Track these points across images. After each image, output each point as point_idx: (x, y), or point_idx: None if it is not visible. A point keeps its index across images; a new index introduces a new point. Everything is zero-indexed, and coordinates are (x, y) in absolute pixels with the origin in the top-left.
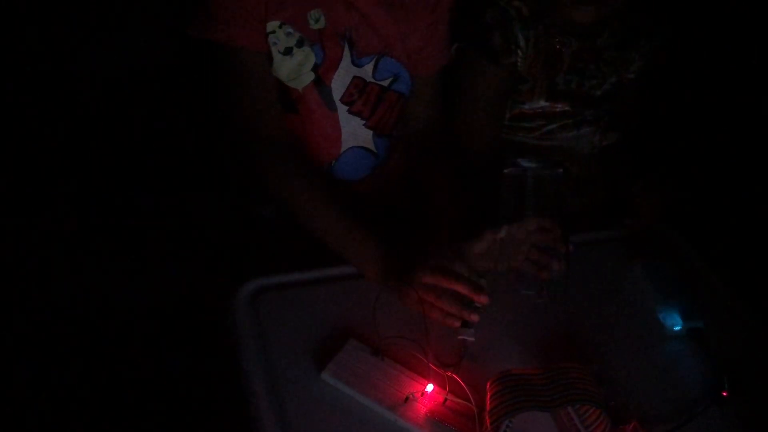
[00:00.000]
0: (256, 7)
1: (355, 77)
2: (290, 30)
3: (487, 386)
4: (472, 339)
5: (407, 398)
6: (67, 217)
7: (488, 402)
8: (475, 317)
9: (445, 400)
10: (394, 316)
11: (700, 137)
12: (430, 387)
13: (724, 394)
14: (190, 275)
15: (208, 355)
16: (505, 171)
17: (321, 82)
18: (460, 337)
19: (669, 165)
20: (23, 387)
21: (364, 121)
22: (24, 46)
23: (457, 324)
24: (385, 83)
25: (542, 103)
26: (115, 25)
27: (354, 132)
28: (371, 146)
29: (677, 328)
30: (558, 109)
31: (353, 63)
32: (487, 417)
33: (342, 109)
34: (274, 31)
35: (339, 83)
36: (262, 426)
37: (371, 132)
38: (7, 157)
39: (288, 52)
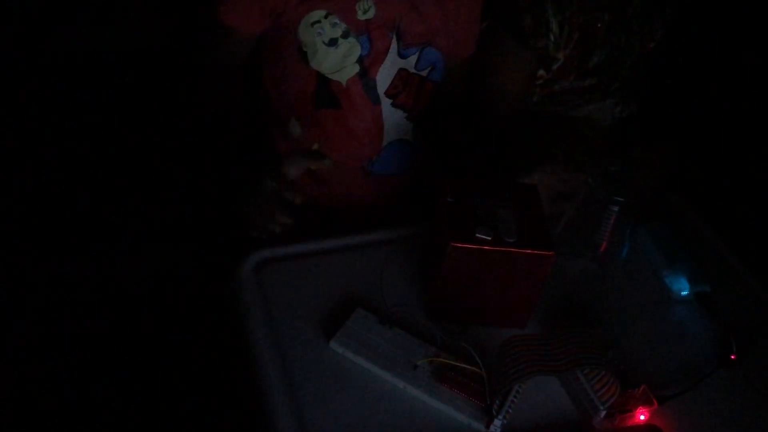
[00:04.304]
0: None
1: (400, 69)
2: (336, 20)
3: (496, 352)
4: None
5: (416, 366)
6: (67, 192)
7: (497, 367)
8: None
9: (454, 366)
10: (400, 284)
11: (705, 101)
12: (438, 354)
13: (732, 357)
14: (195, 249)
15: (215, 328)
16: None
17: (366, 75)
18: None
19: (672, 130)
20: (26, 370)
21: (406, 114)
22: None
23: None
24: (424, 73)
25: (572, 80)
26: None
27: (396, 125)
28: (410, 137)
29: (684, 292)
30: (587, 84)
31: (399, 54)
32: (496, 382)
33: (386, 102)
34: (319, 21)
35: (384, 75)
36: (272, 396)
37: (412, 124)
38: None
39: (333, 43)
